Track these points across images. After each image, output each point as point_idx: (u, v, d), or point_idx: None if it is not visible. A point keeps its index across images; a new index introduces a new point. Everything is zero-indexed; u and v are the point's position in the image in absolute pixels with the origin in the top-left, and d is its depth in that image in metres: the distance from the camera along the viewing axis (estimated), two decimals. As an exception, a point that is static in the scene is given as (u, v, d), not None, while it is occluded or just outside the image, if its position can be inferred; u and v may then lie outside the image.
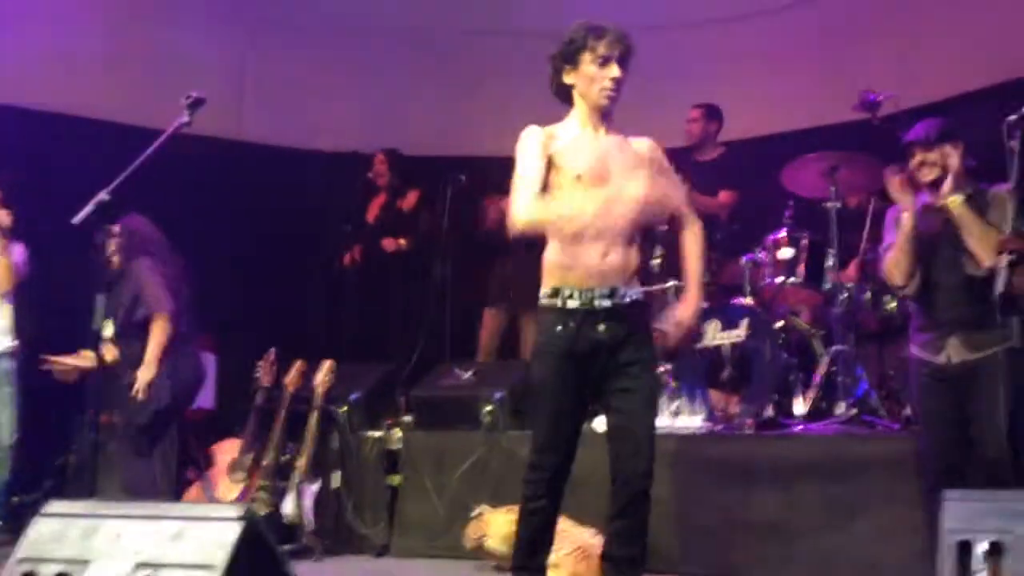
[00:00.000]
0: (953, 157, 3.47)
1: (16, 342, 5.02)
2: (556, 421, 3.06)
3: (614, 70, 3.04)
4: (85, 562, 2.08)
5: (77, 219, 3.31)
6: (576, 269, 3.01)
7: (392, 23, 7.08)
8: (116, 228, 4.64)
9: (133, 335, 4.63)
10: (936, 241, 3.50)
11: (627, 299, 3.03)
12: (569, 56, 3.07)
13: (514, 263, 5.76)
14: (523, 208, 3.00)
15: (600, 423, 4.52)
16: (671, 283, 5.14)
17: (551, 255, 3.07)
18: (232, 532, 2.03)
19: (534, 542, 3.11)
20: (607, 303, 3.00)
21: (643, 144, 3.19)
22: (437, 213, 6.02)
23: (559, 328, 3.01)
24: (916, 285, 3.55)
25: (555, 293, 3.03)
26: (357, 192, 6.41)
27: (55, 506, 2.24)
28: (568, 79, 3.10)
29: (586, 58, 3.04)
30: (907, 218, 3.50)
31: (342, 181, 6.60)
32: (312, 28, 7.03)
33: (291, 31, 7.04)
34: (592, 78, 3.05)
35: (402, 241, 6.28)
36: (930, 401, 3.55)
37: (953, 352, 3.46)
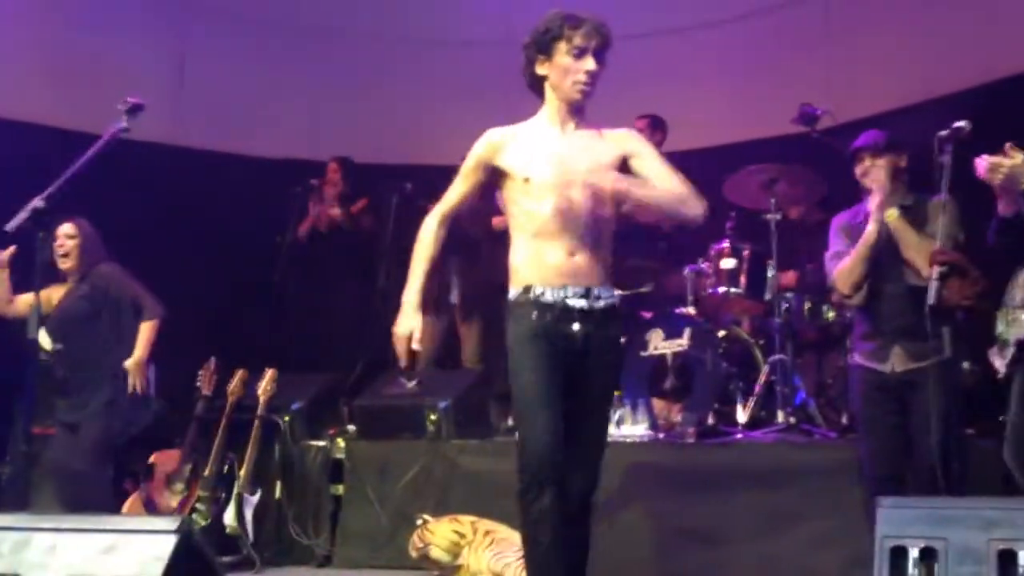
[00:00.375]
0: (882, 171, 3.56)
1: None
2: (546, 402, 2.83)
3: (589, 63, 2.91)
4: (16, 576, 2.04)
5: (11, 226, 3.25)
6: (542, 268, 2.91)
7: (334, 29, 7.06)
8: (70, 228, 4.56)
9: (110, 338, 4.56)
10: (881, 251, 3.57)
11: (601, 302, 2.92)
12: (543, 46, 2.93)
13: (451, 270, 5.75)
14: (426, 222, 3.04)
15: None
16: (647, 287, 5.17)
17: (515, 254, 2.97)
18: (168, 545, 2.00)
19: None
20: (582, 303, 2.89)
21: (620, 135, 3.06)
22: (382, 221, 6.00)
23: (535, 315, 2.88)
24: (862, 295, 3.62)
25: (527, 290, 2.91)
26: (296, 199, 6.34)
27: (-15, 519, 2.19)
28: (541, 70, 2.97)
29: (561, 48, 2.91)
30: (872, 231, 3.56)
31: (282, 188, 6.54)
32: (252, 33, 6.98)
33: (231, 36, 6.98)
34: (566, 70, 2.92)
35: (336, 211, 6.20)
36: (872, 409, 3.61)
37: (897, 361, 3.53)
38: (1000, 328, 3.24)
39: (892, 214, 3.51)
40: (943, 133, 3.31)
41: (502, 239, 3.11)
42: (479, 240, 5.64)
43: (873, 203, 3.55)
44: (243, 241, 6.43)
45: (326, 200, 6.36)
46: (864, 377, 3.63)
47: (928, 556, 2.50)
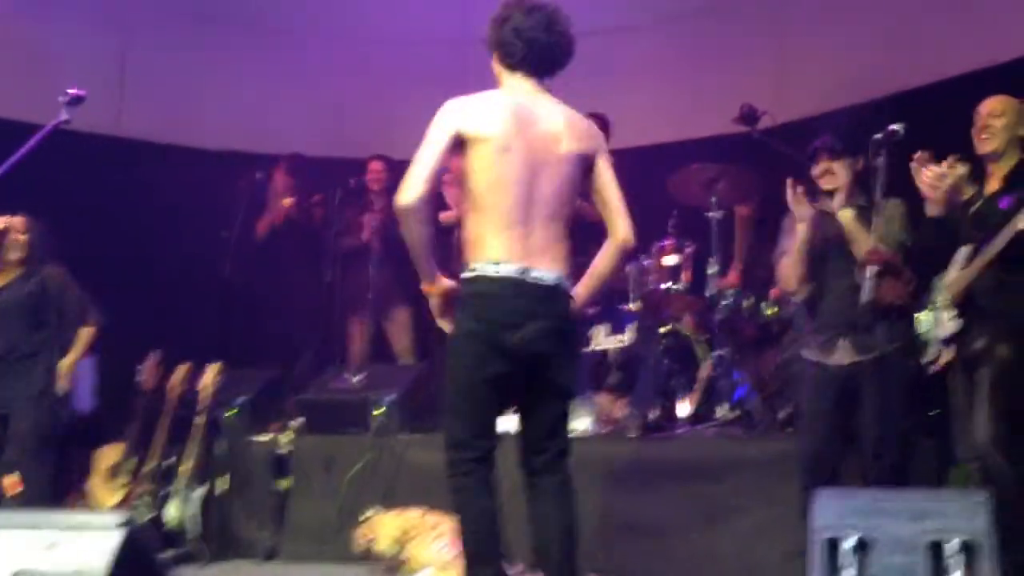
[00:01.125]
0: (842, 172, 3.66)
1: None
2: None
3: None
4: (-43, 573, 2.01)
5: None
6: (498, 248, 2.79)
7: (278, 19, 7.01)
8: (23, 223, 4.54)
9: (47, 336, 4.54)
10: (830, 248, 3.68)
11: (558, 286, 2.85)
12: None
13: (373, 269, 5.76)
14: (406, 190, 2.77)
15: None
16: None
17: (471, 231, 2.86)
18: (112, 540, 2.00)
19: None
20: (541, 283, 2.81)
21: (590, 125, 3.02)
22: (329, 215, 5.98)
23: (478, 304, 2.80)
24: (809, 289, 3.73)
25: (474, 268, 2.82)
26: (243, 193, 6.28)
27: (-75, 516, 2.16)
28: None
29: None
30: (802, 228, 3.67)
31: (227, 180, 6.49)
32: (195, 21, 6.90)
33: (173, 24, 6.89)
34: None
35: (289, 202, 6.20)
36: (815, 402, 3.71)
37: (843, 354, 3.62)
38: (924, 328, 3.36)
39: (846, 214, 3.62)
40: (878, 136, 3.42)
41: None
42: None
43: (835, 202, 3.65)
44: (187, 233, 6.37)
45: (279, 194, 6.32)
46: (811, 370, 3.73)
47: (862, 547, 2.59)
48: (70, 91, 3.47)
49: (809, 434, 3.75)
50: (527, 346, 2.78)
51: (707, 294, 4.77)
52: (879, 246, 3.44)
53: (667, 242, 4.90)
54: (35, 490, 4.34)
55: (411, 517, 4.30)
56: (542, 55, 2.93)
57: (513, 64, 2.94)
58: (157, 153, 6.67)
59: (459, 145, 2.84)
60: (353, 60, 7.05)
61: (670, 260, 4.86)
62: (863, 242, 3.54)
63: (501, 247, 2.79)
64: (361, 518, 4.36)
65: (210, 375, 4.94)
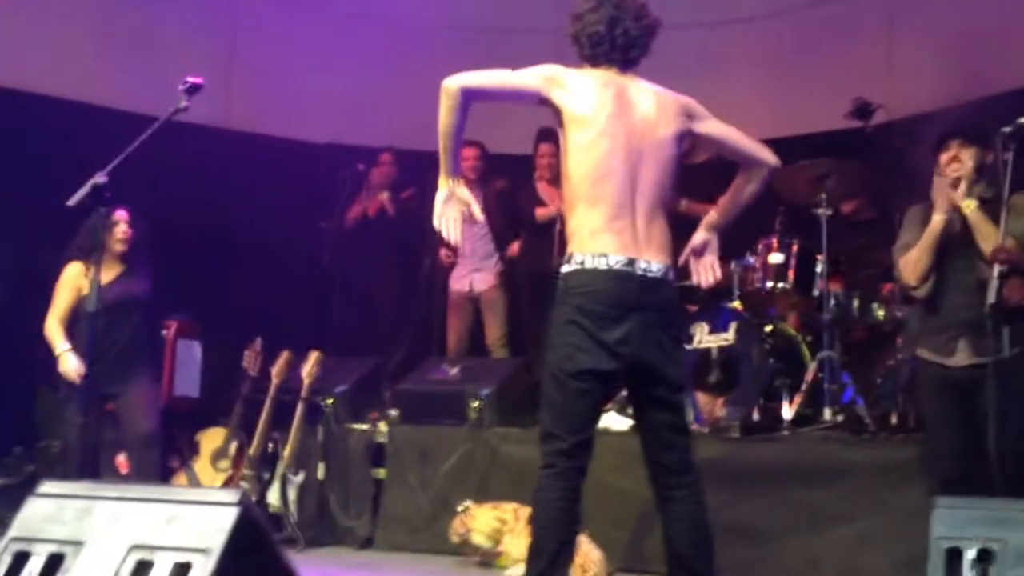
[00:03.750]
0: (969, 161, 3.50)
1: None
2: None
3: None
4: (79, 543, 2.06)
5: (73, 200, 3.30)
6: (604, 240, 2.73)
7: (386, 13, 7.07)
8: (126, 215, 4.66)
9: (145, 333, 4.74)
10: (952, 243, 3.52)
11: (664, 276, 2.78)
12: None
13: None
14: (460, 76, 2.80)
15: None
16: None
17: (574, 221, 2.81)
18: (229, 517, 2.02)
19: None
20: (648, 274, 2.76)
21: (677, 98, 2.93)
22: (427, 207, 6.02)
23: (582, 296, 2.72)
24: (929, 287, 3.58)
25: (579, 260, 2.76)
26: (344, 184, 6.37)
27: (49, 487, 2.22)
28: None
29: None
30: (939, 220, 3.51)
31: (328, 172, 6.58)
32: (304, 14, 7.01)
33: (282, 17, 7.00)
34: None
35: (385, 197, 6.25)
36: (936, 405, 3.58)
37: (962, 355, 3.48)
38: None
39: (970, 205, 3.46)
40: (1007, 129, 3.26)
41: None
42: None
43: (958, 192, 3.50)
44: (287, 224, 6.48)
45: (374, 186, 6.38)
46: (929, 372, 3.59)
47: (984, 558, 2.47)
48: (189, 79, 3.53)
49: (931, 438, 3.61)
50: (629, 348, 2.72)
51: (814, 293, 4.64)
52: (1007, 243, 3.28)
53: (772, 239, 4.79)
54: (148, 471, 4.46)
55: (506, 511, 4.30)
56: (612, 47, 2.90)
57: (590, 56, 2.93)
58: (261, 144, 6.80)
59: (556, 122, 2.83)
60: (454, 51, 7.07)
61: (776, 258, 4.74)
62: (989, 237, 3.37)
63: (607, 238, 2.73)
64: (457, 509, 4.37)
65: (310, 363, 5.01)
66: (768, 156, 2.95)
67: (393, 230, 6.33)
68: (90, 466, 4.27)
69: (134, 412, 4.57)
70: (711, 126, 2.94)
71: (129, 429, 4.59)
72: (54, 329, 4.54)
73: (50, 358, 4.54)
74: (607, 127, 2.77)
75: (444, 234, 2.86)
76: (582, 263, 2.75)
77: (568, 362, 2.72)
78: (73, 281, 4.58)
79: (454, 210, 2.86)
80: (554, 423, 2.77)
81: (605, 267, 2.72)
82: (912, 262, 3.57)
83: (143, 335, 4.72)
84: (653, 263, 2.76)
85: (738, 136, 2.95)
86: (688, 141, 2.94)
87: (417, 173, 6.30)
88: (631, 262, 2.73)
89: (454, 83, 2.78)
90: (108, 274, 4.54)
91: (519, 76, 2.81)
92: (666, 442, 2.81)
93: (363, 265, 6.33)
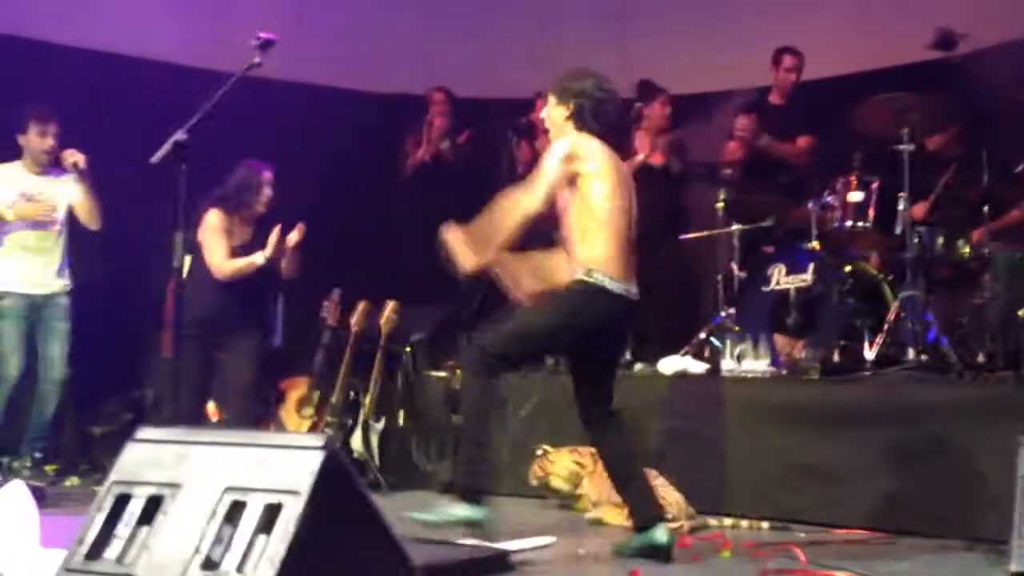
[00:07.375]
0: None
1: (69, 282, 5.01)
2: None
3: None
4: (177, 486, 2.14)
5: (155, 158, 3.36)
6: (616, 266, 3.36)
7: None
8: (270, 176, 4.79)
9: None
10: None
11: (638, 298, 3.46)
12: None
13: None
14: (535, 201, 3.36)
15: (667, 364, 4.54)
16: (735, 227, 5.12)
17: (595, 242, 3.36)
18: (316, 460, 2.08)
19: None
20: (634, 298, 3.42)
21: None
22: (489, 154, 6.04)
23: (587, 304, 3.38)
24: None
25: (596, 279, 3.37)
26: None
27: (146, 433, 2.31)
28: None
29: None
30: None
31: (398, 122, 6.61)
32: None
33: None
34: None
35: (445, 143, 6.32)
36: None
37: None
38: None
39: None
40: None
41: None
42: None
43: None
44: (360, 175, 6.54)
45: (432, 132, 6.41)
46: None
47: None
48: (261, 35, 3.56)
49: None
50: (603, 347, 3.49)
51: (896, 231, 4.53)
52: None
53: (851, 177, 4.68)
54: (245, 420, 4.67)
55: (583, 455, 4.34)
56: (603, 123, 3.49)
57: (586, 128, 3.46)
58: (331, 96, 6.84)
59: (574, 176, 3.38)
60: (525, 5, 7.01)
61: (855, 196, 4.64)
62: None
63: (619, 265, 3.34)
64: (533, 455, 4.42)
65: (388, 312, 5.08)
66: None
67: (454, 176, 6.36)
68: (194, 412, 4.47)
69: (241, 363, 4.75)
70: None
71: (233, 379, 4.75)
72: (231, 265, 4.75)
73: (149, 311, 4.70)
74: (619, 180, 3.39)
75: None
76: (596, 279, 3.32)
77: (558, 332, 3.46)
78: (222, 226, 4.77)
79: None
80: (519, 353, 3.55)
81: (613, 289, 3.34)
82: None
83: (258, 290, 4.89)
84: (635, 287, 3.40)
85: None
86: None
87: (479, 120, 6.33)
88: (628, 289, 3.36)
89: (534, 209, 3.34)
90: (245, 233, 4.78)
91: (554, 175, 3.34)
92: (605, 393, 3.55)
93: (431, 213, 6.36)
